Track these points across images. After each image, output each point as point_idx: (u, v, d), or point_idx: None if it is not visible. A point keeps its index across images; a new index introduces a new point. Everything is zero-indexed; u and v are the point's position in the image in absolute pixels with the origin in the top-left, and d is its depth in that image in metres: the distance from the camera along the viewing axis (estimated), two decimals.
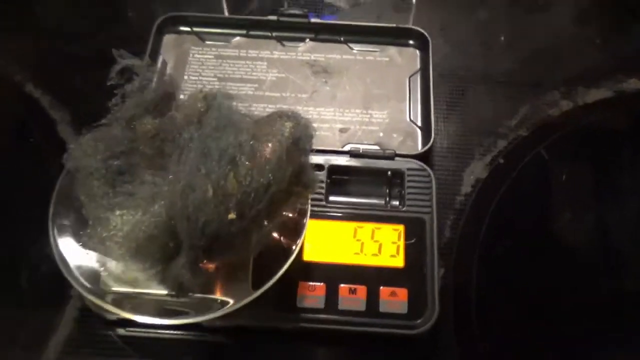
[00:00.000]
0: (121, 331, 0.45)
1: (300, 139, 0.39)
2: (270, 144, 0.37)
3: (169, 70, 0.56)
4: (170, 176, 0.35)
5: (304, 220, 0.43)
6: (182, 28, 0.59)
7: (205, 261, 0.37)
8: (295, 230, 0.42)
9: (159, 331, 0.44)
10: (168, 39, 0.58)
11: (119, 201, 0.35)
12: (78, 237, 0.40)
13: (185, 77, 0.56)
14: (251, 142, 0.36)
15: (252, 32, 0.59)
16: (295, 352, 0.44)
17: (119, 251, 0.35)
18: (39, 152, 0.52)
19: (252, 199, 0.36)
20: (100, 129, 0.37)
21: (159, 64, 0.56)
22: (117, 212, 0.35)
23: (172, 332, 0.44)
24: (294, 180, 0.39)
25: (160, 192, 0.35)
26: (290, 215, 0.42)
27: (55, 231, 0.41)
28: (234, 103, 0.40)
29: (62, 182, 0.43)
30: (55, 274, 0.41)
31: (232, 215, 0.35)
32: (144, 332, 0.44)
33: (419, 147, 0.52)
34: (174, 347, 0.45)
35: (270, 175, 0.37)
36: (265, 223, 0.38)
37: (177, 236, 0.36)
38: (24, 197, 0.50)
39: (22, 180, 0.51)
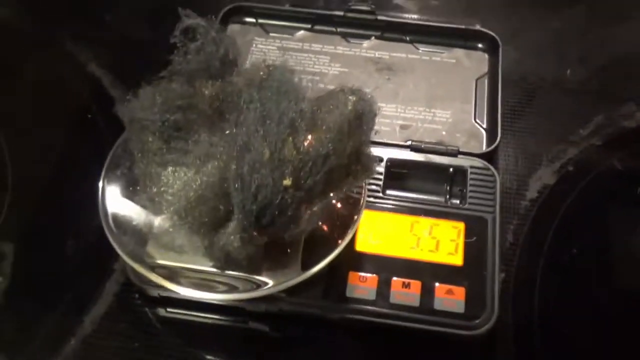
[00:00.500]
0: (161, 311, 0.43)
1: (363, 114, 0.37)
2: (332, 114, 0.36)
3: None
4: (227, 134, 0.34)
5: (359, 208, 0.41)
6: (247, 19, 0.59)
7: (255, 232, 0.35)
8: (349, 217, 0.41)
9: (199, 314, 0.42)
10: (232, 28, 0.58)
11: (172, 158, 0.34)
12: (127, 204, 0.39)
13: (247, 67, 0.55)
14: (313, 108, 0.35)
15: (317, 27, 0.58)
16: (341, 344, 0.41)
17: (167, 210, 0.34)
18: (96, 128, 0.51)
19: (309, 168, 0.34)
20: (160, 83, 0.36)
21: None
22: (170, 169, 0.34)
23: (212, 316, 0.42)
24: (353, 158, 0.37)
25: (215, 151, 0.34)
26: (345, 197, 0.40)
27: (105, 196, 0.40)
28: (296, 78, 0.38)
29: (115, 151, 0.42)
30: (100, 246, 0.40)
31: (287, 182, 0.34)
32: (184, 314, 0.43)
33: (484, 148, 0.49)
34: (213, 333, 0.42)
35: (330, 145, 0.35)
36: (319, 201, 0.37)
37: (229, 201, 0.34)
38: (76, 169, 0.50)
39: (76, 153, 0.51)
